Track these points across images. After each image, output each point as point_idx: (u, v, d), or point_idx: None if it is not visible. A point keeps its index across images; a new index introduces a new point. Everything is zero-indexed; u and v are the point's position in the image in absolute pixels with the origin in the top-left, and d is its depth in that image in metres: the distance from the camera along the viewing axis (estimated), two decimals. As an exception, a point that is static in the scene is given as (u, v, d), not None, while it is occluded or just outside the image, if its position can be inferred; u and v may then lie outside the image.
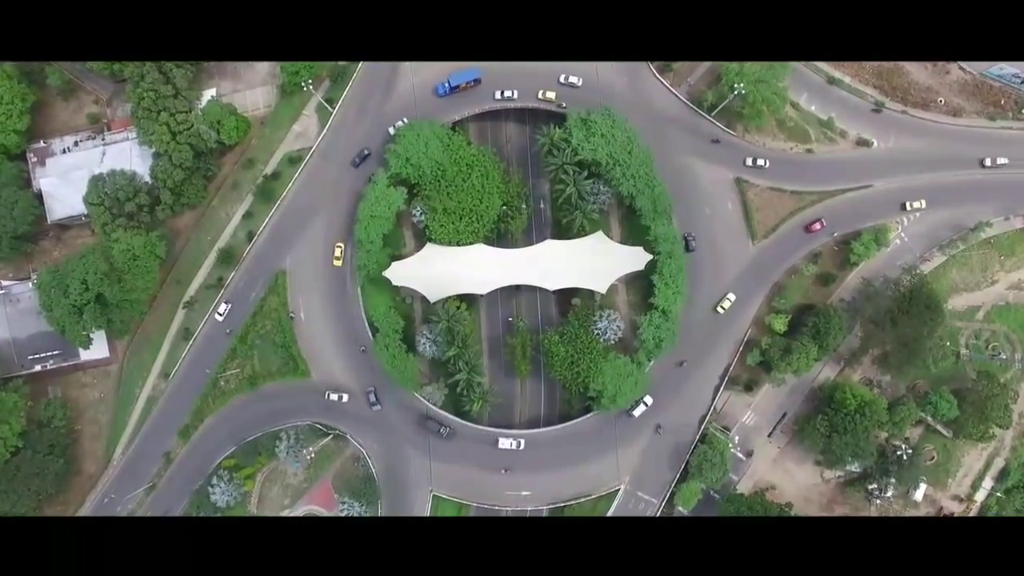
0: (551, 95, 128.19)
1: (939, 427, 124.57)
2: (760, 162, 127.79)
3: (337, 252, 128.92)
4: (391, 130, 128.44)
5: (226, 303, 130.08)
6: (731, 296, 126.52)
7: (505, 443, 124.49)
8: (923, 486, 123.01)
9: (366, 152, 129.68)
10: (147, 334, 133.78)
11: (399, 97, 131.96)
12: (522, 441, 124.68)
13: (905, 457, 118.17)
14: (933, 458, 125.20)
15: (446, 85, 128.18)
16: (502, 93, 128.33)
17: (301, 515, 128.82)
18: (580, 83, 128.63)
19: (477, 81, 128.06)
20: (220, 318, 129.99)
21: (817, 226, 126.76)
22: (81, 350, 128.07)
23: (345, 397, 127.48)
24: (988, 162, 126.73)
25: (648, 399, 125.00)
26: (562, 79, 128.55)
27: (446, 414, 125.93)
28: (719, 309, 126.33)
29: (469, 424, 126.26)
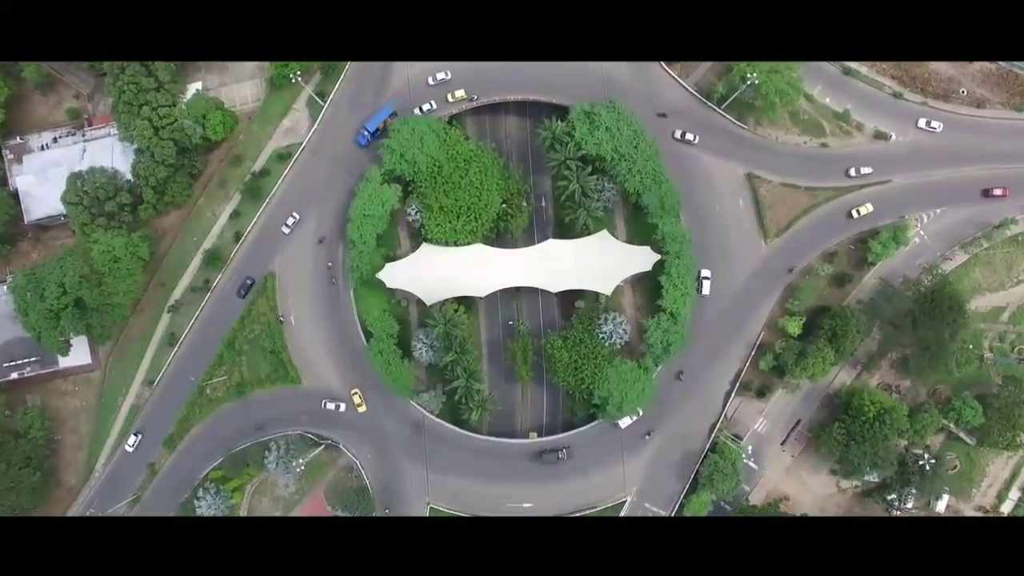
0: (460, 93, 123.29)
1: (962, 434, 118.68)
2: (689, 136, 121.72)
3: (356, 399, 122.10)
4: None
5: (136, 434, 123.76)
6: (869, 206, 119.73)
7: (625, 420, 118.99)
8: (945, 497, 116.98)
9: (249, 281, 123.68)
10: (131, 339, 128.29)
11: (394, 90, 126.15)
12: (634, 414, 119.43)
13: (928, 467, 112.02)
14: (956, 467, 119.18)
15: (365, 134, 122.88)
16: (421, 109, 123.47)
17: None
18: (449, 76, 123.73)
19: (394, 115, 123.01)
20: (130, 449, 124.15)
21: (999, 191, 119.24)
22: (61, 357, 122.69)
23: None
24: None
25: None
26: (431, 80, 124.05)
27: (558, 437, 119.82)
28: (854, 213, 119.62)
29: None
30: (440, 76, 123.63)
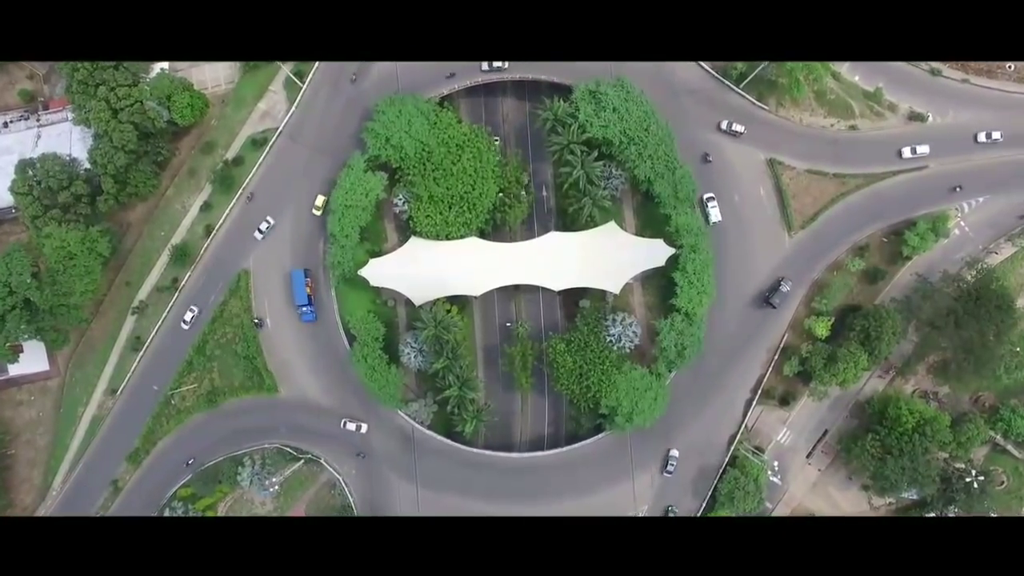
0: (319, 201, 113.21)
1: (1010, 447, 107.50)
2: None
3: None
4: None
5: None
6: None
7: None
8: (993, 516, 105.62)
9: None
10: (92, 344, 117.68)
11: (379, 69, 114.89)
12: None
13: (975, 484, 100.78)
14: (1003, 483, 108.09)
15: (305, 310, 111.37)
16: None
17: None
18: (273, 222, 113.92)
19: (307, 273, 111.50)
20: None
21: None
22: (13, 363, 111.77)
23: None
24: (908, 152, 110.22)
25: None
26: (258, 235, 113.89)
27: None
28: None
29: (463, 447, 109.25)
30: (266, 224, 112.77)
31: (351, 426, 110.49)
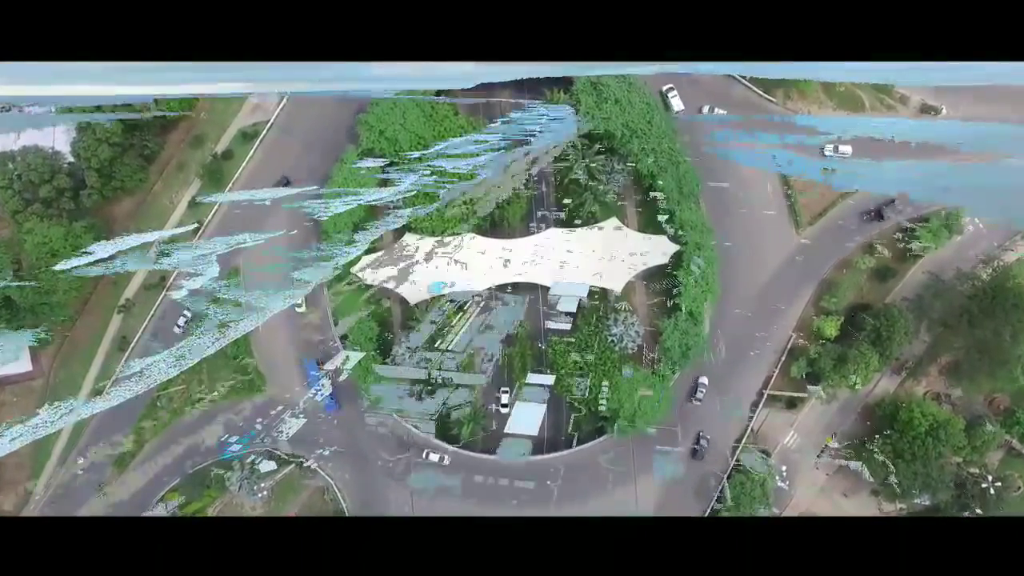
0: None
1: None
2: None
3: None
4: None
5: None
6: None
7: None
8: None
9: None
10: (77, 343, 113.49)
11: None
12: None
13: (991, 490, 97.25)
14: (1019, 488, 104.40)
15: (325, 397, 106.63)
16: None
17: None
18: None
19: (319, 365, 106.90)
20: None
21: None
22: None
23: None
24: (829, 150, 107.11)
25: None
26: None
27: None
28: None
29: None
30: (183, 318, 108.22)
31: (434, 456, 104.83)
